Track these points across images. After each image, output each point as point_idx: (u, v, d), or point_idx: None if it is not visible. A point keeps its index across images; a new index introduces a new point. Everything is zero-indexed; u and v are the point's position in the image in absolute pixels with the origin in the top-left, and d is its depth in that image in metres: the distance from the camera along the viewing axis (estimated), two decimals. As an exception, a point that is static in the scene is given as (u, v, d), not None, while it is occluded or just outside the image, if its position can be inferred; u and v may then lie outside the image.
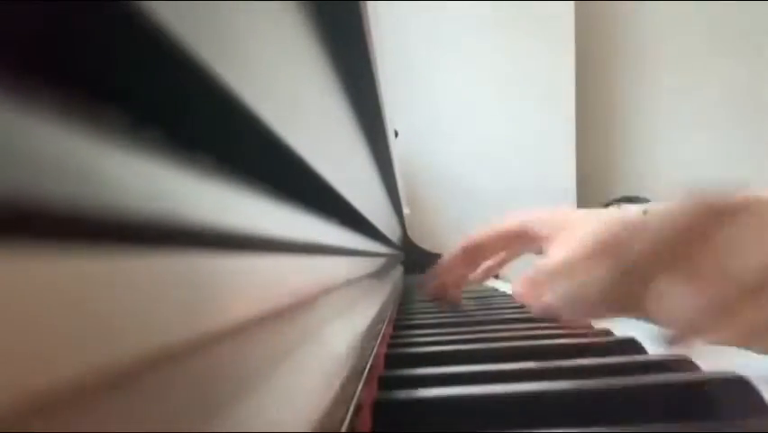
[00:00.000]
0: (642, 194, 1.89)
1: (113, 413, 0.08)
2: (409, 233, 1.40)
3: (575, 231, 0.59)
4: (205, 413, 0.11)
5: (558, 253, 0.59)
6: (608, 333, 0.40)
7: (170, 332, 0.10)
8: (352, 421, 0.21)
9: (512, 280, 0.64)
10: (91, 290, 0.08)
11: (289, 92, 0.18)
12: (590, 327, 0.44)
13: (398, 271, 1.12)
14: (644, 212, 0.58)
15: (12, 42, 0.07)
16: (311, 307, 0.24)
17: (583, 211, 0.62)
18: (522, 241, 0.63)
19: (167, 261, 0.10)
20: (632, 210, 0.58)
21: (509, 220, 0.64)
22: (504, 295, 0.74)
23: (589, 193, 1.87)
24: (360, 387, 0.25)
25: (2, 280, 0.06)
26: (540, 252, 0.63)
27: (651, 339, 0.35)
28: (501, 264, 0.71)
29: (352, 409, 0.22)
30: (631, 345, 0.35)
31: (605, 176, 1.96)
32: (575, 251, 0.57)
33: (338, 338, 0.26)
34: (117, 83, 0.10)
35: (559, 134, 1.79)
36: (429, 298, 0.67)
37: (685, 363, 0.29)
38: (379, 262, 0.69)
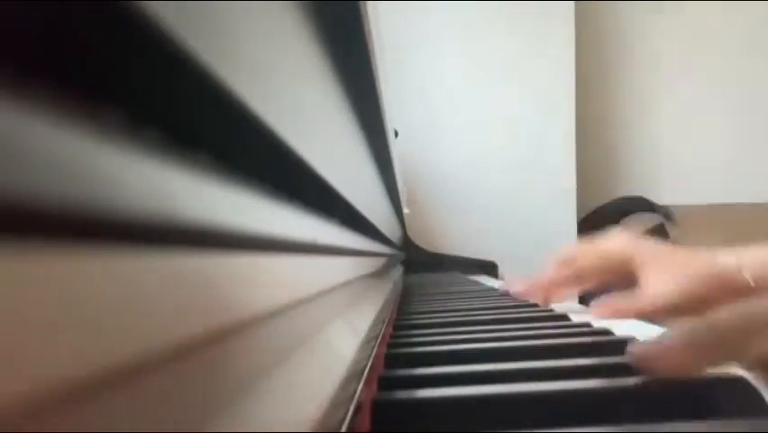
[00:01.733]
0: (642, 194, 1.90)
1: (112, 413, 0.08)
2: (409, 233, 1.40)
3: (676, 267, 0.55)
4: (205, 413, 0.11)
5: (658, 285, 0.55)
6: (608, 333, 0.40)
7: (170, 332, 0.10)
8: (351, 421, 0.21)
9: (590, 304, 0.59)
10: (91, 290, 0.08)
11: (289, 92, 0.18)
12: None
13: (398, 271, 1.12)
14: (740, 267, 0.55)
15: (12, 42, 0.07)
16: (311, 307, 0.24)
17: (683, 249, 0.59)
18: (624, 268, 0.58)
19: (167, 261, 0.10)
20: (729, 261, 0.55)
21: (611, 242, 0.60)
22: (504, 294, 0.74)
23: (590, 193, 1.87)
24: (360, 387, 0.25)
25: (2, 280, 0.06)
26: (626, 287, 0.59)
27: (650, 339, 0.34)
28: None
29: (351, 409, 0.22)
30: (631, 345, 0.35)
31: (605, 176, 1.96)
32: (681, 288, 0.54)
33: (338, 338, 0.26)
34: (117, 83, 0.10)
35: (559, 134, 1.79)
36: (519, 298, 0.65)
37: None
38: (380, 261, 0.69)
